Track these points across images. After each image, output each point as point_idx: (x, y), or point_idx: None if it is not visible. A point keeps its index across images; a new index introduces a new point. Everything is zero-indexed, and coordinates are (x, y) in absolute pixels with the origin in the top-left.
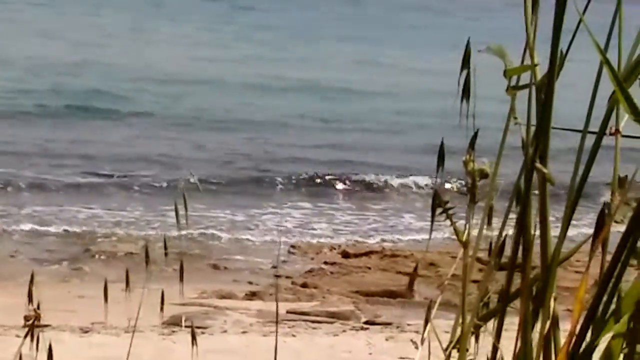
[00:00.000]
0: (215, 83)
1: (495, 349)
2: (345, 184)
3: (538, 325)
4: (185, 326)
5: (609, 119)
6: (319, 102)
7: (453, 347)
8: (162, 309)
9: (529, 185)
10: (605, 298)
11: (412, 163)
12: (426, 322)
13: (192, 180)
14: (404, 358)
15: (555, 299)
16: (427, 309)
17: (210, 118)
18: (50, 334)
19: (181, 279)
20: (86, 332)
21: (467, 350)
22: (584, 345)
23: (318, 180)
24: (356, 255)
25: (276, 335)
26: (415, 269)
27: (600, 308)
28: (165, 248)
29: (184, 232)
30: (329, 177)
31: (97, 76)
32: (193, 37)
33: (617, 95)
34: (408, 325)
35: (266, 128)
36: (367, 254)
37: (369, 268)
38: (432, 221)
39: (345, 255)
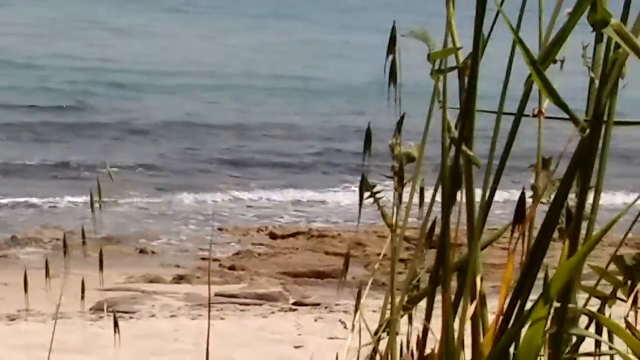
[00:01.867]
0: None
1: (425, 330)
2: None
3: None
4: (111, 311)
5: (527, 100)
6: None
7: (383, 331)
8: (82, 296)
9: (455, 168)
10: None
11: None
12: (357, 303)
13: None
14: (333, 338)
15: (482, 279)
16: (357, 290)
17: None
18: None
19: (101, 267)
20: (13, 319)
21: (397, 333)
22: (510, 325)
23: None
24: (283, 237)
25: (209, 319)
26: (348, 254)
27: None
28: (83, 237)
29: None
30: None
31: None
32: None
33: (532, 76)
34: (336, 305)
35: None
36: (295, 234)
37: (297, 249)
38: (360, 205)
39: (273, 236)
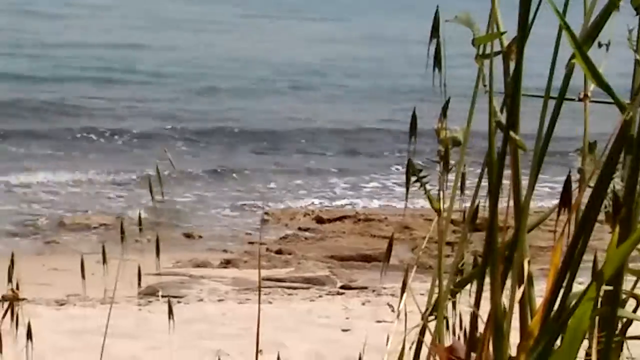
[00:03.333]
0: None
1: (475, 315)
2: None
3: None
4: (162, 296)
5: (568, 83)
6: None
7: (430, 314)
8: (139, 284)
9: (503, 154)
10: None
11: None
12: (403, 287)
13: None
14: (380, 321)
15: (529, 262)
16: (404, 272)
17: None
18: (27, 308)
19: (157, 254)
20: (62, 304)
21: (444, 317)
22: (556, 306)
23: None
24: (330, 220)
25: (259, 302)
26: (392, 237)
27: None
28: (140, 224)
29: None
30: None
31: None
32: None
33: (577, 60)
34: (384, 289)
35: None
36: (341, 218)
37: (344, 232)
38: (407, 190)
39: (320, 220)
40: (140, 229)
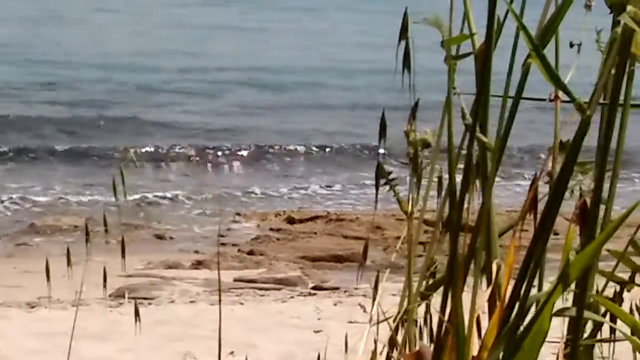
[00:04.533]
0: None
1: (441, 322)
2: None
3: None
4: (129, 298)
5: (524, 84)
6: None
7: (400, 318)
8: (105, 285)
9: (469, 155)
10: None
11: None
12: (375, 292)
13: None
14: (352, 322)
15: (499, 268)
16: (377, 273)
17: None
18: None
19: (123, 255)
20: (33, 307)
21: (415, 321)
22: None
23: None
24: (301, 221)
25: (219, 303)
26: (367, 239)
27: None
28: (105, 225)
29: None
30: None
31: None
32: None
33: (533, 60)
34: (355, 289)
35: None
36: (313, 218)
37: (315, 233)
38: (377, 192)
39: (291, 221)
40: (106, 230)
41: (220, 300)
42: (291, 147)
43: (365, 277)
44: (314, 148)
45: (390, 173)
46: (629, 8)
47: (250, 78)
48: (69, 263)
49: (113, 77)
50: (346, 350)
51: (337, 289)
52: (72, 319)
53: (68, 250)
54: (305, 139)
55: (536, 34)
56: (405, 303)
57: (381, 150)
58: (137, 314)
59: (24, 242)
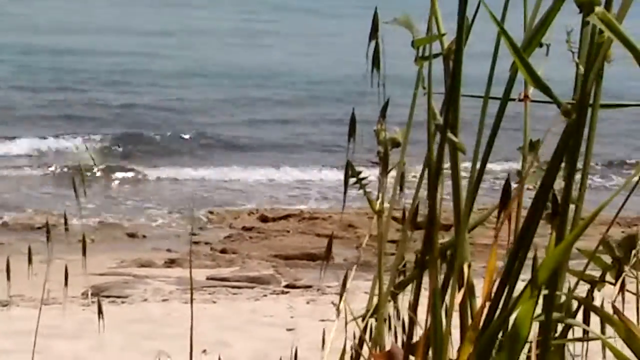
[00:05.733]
0: None
1: (412, 320)
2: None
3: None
4: (104, 296)
5: (512, 85)
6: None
7: (370, 316)
8: (66, 283)
9: (439, 156)
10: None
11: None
12: (342, 290)
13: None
14: (325, 320)
15: (469, 266)
16: (345, 273)
17: None
18: None
19: (84, 252)
20: (5, 305)
21: (385, 320)
22: (497, 314)
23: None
24: (274, 219)
25: (191, 301)
26: (331, 237)
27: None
28: (66, 223)
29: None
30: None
31: None
32: None
33: (516, 64)
34: (328, 287)
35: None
36: (285, 217)
37: (288, 231)
38: (345, 191)
39: (264, 219)
40: (66, 229)
41: (192, 300)
42: None
43: (339, 275)
44: None
45: (360, 172)
46: (597, 9)
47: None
48: (30, 261)
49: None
50: (323, 348)
51: (309, 287)
52: (45, 317)
53: (29, 249)
54: None
55: (524, 37)
56: (375, 301)
57: (350, 149)
58: (100, 312)
59: None
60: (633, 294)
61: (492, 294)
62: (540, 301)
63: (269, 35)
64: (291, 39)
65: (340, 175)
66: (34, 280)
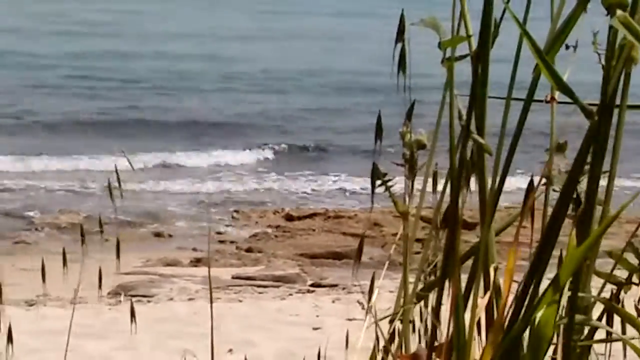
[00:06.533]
0: None
1: (434, 326)
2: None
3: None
4: (130, 296)
5: (536, 87)
6: None
7: (397, 319)
8: (100, 285)
9: (462, 156)
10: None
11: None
12: (370, 291)
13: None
14: (351, 319)
15: (496, 269)
16: (373, 272)
17: None
18: None
19: (118, 255)
20: (32, 305)
21: (411, 321)
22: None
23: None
24: (300, 218)
25: (213, 301)
26: (362, 236)
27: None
28: (101, 227)
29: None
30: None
31: None
32: None
33: (540, 67)
34: (354, 286)
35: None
36: (311, 216)
37: (314, 230)
38: (373, 193)
39: (289, 218)
40: (101, 231)
41: (212, 300)
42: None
43: (364, 274)
44: None
45: (385, 174)
46: (619, 12)
47: None
48: (64, 264)
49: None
50: (347, 347)
51: (335, 286)
52: (71, 317)
53: (64, 252)
54: None
55: (547, 40)
56: (401, 303)
57: (377, 149)
58: (132, 314)
59: (23, 240)
60: None
61: (518, 294)
62: (565, 302)
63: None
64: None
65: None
66: (59, 280)
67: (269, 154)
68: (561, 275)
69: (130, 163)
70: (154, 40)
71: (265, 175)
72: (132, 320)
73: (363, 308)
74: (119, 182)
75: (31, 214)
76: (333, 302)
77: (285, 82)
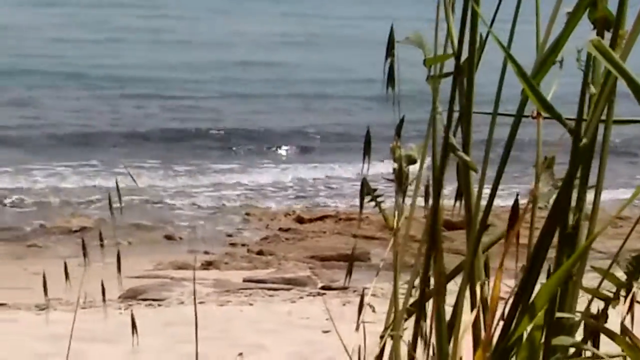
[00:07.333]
0: None
1: (412, 354)
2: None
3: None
4: (140, 299)
5: (525, 105)
6: None
7: (388, 334)
8: (103, 292)
9: (440, 172)
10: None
11: None
12: (361, 302)
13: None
14: (361, 322)
15: (482, 285)
16: (383, 272)
17: None
18: (6, 314)
19: (118, 266)
20: (42, 309)
21: (401, 336)
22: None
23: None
24: (311, 220)
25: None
26: (352, 258)
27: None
28: (101, 240)
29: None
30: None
31: None
32: None
33: (525, 90)
34: (365, 289)
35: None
36: (322, 218)
37: (324, 232)
38: (361, 208)
39: (300, 220)
40: (101, 242)
41: (194, 304)
42: None
43: (375, 277)
44: None
45: (375, 190)
46: (593, 37)
47: None
48: (67, 277)
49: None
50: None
51: (346, 288)
52: (82, 321)
53: (65, 265)
54: None
55: (536, 59)
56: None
57: (366, 166)
58: (134, 325)
59: (34, 243)
60: None
61: (506, 313)
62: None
63: None
64: None
65: None
66: (71, 283)
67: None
68: (537, 301)
69: (132, 178)
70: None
71: None
72: (133, 331)
73: (374, 311)
74: (118, 192)
75: (42, 216)
76: (344, 305)
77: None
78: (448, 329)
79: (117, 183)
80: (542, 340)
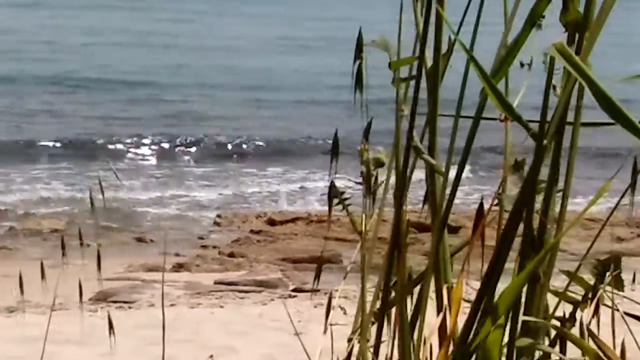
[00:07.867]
0: None
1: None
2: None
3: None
4: (111, 301)
5: (484, 108)
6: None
7: (355, 338)
8: (80, 292)
9: (403, 174)
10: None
11: None
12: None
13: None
14: (333, 324)
15: (449, 289)
16: (353, 273)
17: None
18: None
19: (99, 265)
20: (11, 311)
21: (368, 340)
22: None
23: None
24: (282, 222)
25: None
26: (321, 261)
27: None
28: (80, 239)
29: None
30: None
31: None
32: None
33: (487, 93)
34: (336, 291)
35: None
36: (293, 220)
37: (296, 234)
38: (330, 212)
39: (272, 222)
40: (81, 243)
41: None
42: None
43: (347, 279)
44: None
45: (343, 193)
46: (556, 41)
47: None
48: (42, 276)
49: None
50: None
51: (317, 291)
52: (52, 323)
53: (42, 265)
54: None
55: (494, 61)
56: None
57: (333, 170)
58: (111, 325)
59: (4, 245)
60: (616, 310)
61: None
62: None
63: None
64: None
65: None
66: (39, 286)
67: None
68: (500, 306)
69: (116, 174)
70: None
71: None
72: (110, 332)
73: (345, 313)
74: (102, 192)
75: (11, 218)
76: (315, 307)
77: None
78: (412, 332)
79: (100, 182)
80: (504, 342)
